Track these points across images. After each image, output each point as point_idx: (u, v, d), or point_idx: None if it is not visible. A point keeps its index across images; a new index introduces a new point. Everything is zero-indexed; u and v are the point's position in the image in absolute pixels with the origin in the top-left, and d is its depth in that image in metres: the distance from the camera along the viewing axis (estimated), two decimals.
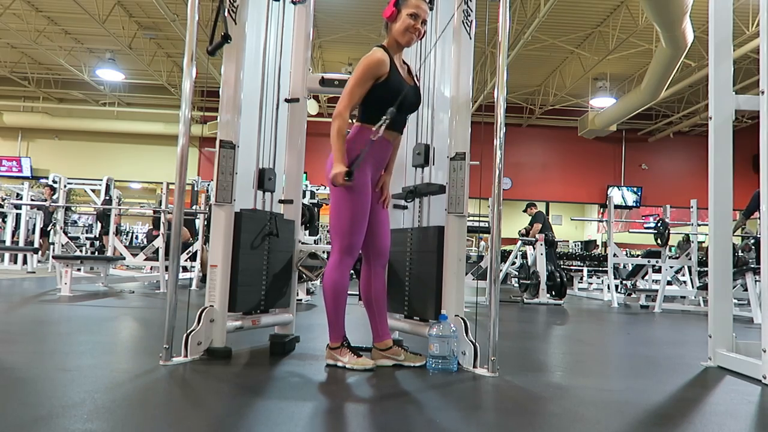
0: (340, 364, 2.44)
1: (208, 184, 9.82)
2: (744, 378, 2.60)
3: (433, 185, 2.78)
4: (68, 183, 10.40)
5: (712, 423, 1.87)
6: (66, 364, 2.33)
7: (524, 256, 8.55)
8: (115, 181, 11.43)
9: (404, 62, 2.62)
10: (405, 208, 3.05)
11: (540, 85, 14.23)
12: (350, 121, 2.49)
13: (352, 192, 2.41)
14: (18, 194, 11.50)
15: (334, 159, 2.36)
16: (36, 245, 10.00)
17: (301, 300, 5.52)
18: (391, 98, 2.43)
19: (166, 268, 5.87)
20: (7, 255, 10.07)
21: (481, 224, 7.32)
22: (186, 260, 7.39)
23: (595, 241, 18.14)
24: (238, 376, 2.25)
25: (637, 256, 10.01)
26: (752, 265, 6.06)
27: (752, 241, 8.24)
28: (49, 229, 9.98)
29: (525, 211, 8.62)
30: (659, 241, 7.32)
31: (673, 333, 4.60)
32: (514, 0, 9.69)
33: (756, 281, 5.63)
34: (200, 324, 2.51)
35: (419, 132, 3.03)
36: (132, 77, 14.40)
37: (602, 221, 11.68)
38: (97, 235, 10.73)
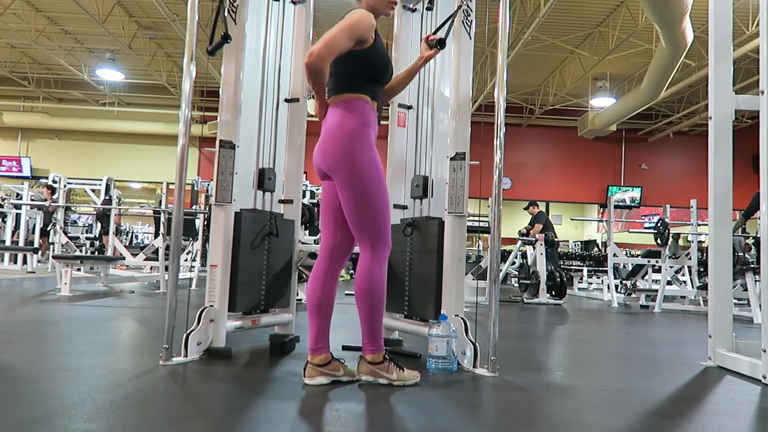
0: (383, 381, 2.11)
1: (208, 184, 9.82)
2: (744, 378, 2.60)
3: (433, 219, 2.78)
4: (68, 183, 10.40)
5: (712, 423, 1.87)
6: (66, 364, 2.33)
7: (524, 256, 8.55)
8: (115, 181, 11.43)
9: None
10: (405, 207, 3.05)
11: (540, 85, 14.23)
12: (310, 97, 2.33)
13: (380, 171, 2.12)
14: (18, 194, 11.50)
15: (317, 90, 2.10)
16: (36, 245, 10.00)
17: (301, 300, 5.51)
18: (380, 70, 2.18)
19: (166, 268, 5.87)
20: (7, 255, 10.07)
21: (481, 224, 7.32)
22: (185, 260, 7.39)
23: (595, 241, 18.13)
24: (238, 376, 2.25)
25: (637, 256, 10.01)
26: (752, 265, 6.07)
27: (752, 240, 8.24)
28: (48, 229, 9.99)
29: (526, 209, 8.62)
30: (659, 241, 7.33)
31: (673, 333, 4.60)
32: (514, 0, 9.69)
33: (756, 281, 5.63)
34: (200, 324, 2.51)
35: (419, 131, 3.04)
36: (132, 77, 14.40)
37: (602, 221, 11.69)
38: (97, 235, 10.73)
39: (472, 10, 2.70)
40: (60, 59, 12.82)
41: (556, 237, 8.12)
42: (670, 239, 7.36)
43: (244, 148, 2.73)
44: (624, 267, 9.04)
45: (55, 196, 9.60)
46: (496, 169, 2.46)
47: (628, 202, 16.10)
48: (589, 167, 16.15)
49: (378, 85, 2.22)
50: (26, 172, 15.50)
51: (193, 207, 9.56)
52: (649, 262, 7.94)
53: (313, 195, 9.74)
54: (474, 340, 2.50)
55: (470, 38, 2.71)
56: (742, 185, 5.87)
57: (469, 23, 2.69)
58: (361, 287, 2.12)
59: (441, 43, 2.31)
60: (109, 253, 7.57)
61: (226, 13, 2.59)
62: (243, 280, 2.68)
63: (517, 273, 9.43)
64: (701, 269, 7.71)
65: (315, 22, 3.05)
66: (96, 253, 10.17)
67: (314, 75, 2.03)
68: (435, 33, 2.40)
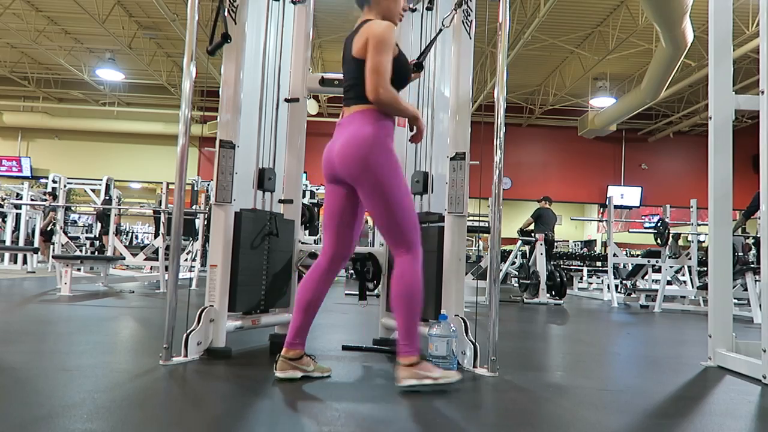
0: (428, 381, 2.03)
1: (208, 184, 9.83)
2: (744, 378, 2.60)
3: (433, 215, 2.78)
4: (68, 183, 10.40)
5: (712, 423, 1.87)
6: (66, 364, 2.33)
7: (524, 255, 8.55)
8: (115, 181, 11.43)
9: None
10: None
11: (540, 85, 14.23)
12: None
13: (402, 176, 2.15)
14: (18, 194, 11.50)
15: (410, 110, 2.19)
16: (36, 245, 10.00)
17: None
18: (403, 77, 2.24)
19: (166, 268, 5.87)
20: (7, 255, 10.07)
21: (481, 224, 7.32)
22: (185, 260, 7.40)
23: (595, 241, 18.14)
24: (238, 376, 2.25)
25: (637, 256, 10.01)
26: (752, 265, 6.07)
27: (752, 240, 8.24)
28: (49, 229, 9.99)
29: (539, 201, 8.71)
30: (659, 241, 7.33)
31: (673, 333, 4.60)
32: (514, 0, 9.69)
33: (756, 281, 5.63)
34: (200, 324, 2.51)
35: None
36: (132, 77, 14.40)
37: (602, 221, 11.69)
38: (97, 235, 10.74)
39: (472, 10, 2.70)
40: (60, 59, 12.82)
41: (553, 236, 8.12)
42: (670, 239, 7.36)
43: (244, 148, 2.73)
44: (624, 267, 9.05)
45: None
46: (496, 169, 2.46)
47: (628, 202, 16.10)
48: (589, 167, 16.15)
49: (399, 89, 2.24)
50: (26, 172, 15.51)
51: (193, 207, 9.56)
52: (649, 262, 7.94)
53: (313, 195, 9.76)
54: (474, 340, 2.50)
55: (470, 38, 2.71)
56: (742, 185, 5.86)
57: (469, 23, 2.69)
58: (403, 290, 2.09)
59: (418, 66, 2.51)
60: (109, 253, 7.57)
61: (226, 13, 2.59)
62: (243, 280, 2.68)
63: (517, 273, 9.43)
64: (701, 269, 7.71)
65: (315, 22, 3.05)
66: (96, 253, 10.17)
67: (389, 105, 2.11)
68: (418, 59, 2.49)
